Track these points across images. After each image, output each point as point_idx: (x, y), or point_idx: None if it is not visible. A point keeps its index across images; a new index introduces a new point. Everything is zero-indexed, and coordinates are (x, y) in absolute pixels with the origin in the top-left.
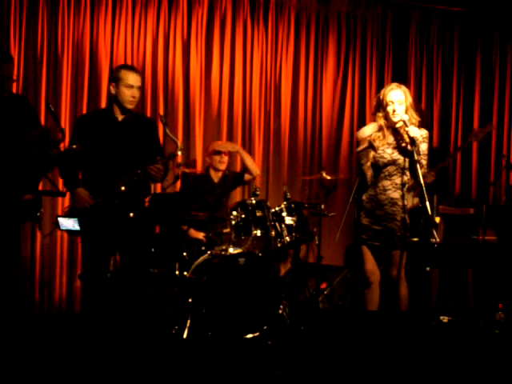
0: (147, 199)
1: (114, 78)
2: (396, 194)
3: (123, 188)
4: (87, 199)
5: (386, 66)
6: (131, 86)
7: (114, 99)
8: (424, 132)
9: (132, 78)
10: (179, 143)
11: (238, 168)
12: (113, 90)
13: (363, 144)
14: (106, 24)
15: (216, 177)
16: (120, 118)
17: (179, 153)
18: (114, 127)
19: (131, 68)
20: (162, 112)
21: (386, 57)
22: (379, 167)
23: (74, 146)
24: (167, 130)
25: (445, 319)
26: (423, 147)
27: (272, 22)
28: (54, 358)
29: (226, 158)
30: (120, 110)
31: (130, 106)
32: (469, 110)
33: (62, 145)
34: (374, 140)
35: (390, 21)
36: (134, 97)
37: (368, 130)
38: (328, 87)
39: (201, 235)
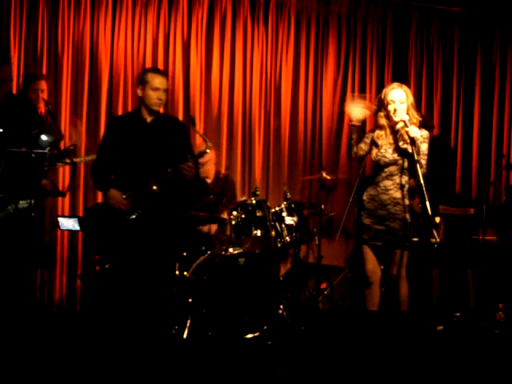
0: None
1: (141, 81)
2: (398, 194)
3: (155, 187)
4: (121, 200)
5: (385, 66)
6: (157, 89)
7: (141, 101)
8: (424, 132)
9: (158, 81)
10: (209, 142)
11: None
12: (140, 93)
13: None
14: (106, 24)
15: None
16: (149, 119)
17: (208, 151)
18: (143, 129)
19: (158, 71)
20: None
21: (386, 57)
22: (381, 166)
23: (72, 147)
24: (196, 129)
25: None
26: (423, 147)
27: (272, 22)
28: (54, 358)
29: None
30: (148, 111)
31: (156, 108)
32: (469, 109)
33: (61, 144)
34: (377, 138)
35: (389, 21)
36: (160, 99)
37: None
38: (328, 87)
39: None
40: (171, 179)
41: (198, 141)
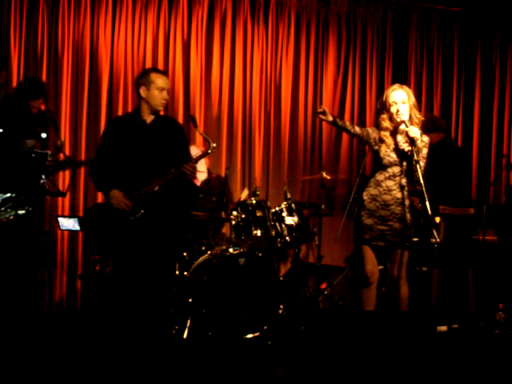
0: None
1: (144, 82)
2: (400, 195)
3: (157, 188)
4: (123, 200)
5: (386, 65)
6: (163, 89)
7: (143, 102)
8: (425, 138)
9: (163, 81)
10: (212, 143)
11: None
12: (143, 94)
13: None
14: (106, 24)
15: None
16: (149, 120)
17: (210, 151)
18: (144, 129)
19: (161, 71)
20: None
21: (386, 57)
22: (384, 166)
23: (68, 160)
24: (199, 130)
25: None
26: (423, 152)
27: (272, 22)
28: (55, 358)
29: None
30: (149, 112)
31: (160, 108)
32: (469, 110)
33: (61, 154)
34: (387, 137)
35: (390, 21)
36: (165, 99)
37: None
38: (328, 87)
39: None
40: (172, 179)
41: (199, 139)
